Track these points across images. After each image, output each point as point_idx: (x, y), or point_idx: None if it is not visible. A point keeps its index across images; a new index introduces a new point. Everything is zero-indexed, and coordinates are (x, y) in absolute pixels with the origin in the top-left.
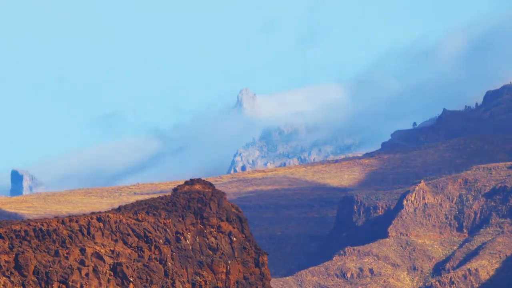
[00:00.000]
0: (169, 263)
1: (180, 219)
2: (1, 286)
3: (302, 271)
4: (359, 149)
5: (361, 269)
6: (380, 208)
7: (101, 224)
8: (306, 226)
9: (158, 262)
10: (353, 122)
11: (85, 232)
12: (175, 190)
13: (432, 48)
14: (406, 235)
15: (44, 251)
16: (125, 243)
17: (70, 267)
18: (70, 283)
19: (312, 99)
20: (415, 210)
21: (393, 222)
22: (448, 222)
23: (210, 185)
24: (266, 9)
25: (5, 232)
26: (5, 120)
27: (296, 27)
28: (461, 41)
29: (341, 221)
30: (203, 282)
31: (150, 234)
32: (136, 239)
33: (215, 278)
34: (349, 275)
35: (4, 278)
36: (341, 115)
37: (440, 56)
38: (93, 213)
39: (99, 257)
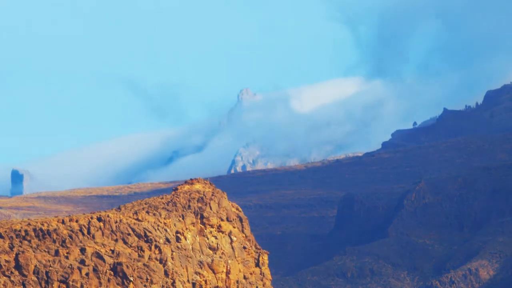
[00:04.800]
0: (169, 263)
1: (180, 218)
2: (1, 286)
3: (302, 270)
4: (359, 149)
5: (361, 269)
6: (380, 208)
7: (101, 224)
8: (306, 226)
9: (158, 262)
10: (354, 122)
11: (85, 231)
12: (175, 189)
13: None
14: (406, 235)
15: (44, 251)
16: (125, 242)
17: (70, 266)
18: (71, 283)
19: (313, 99)
20: (415, 210)
21: (393, 222)
22: (448, 222)
23: (210, 184)
24: (266, 9)
25: (5, 231)
26: (5, 120)
27: (296, 27)
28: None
29: (341, 221)
30: (203, 282)
31: (150, 234)
32: (136, 238)
33: (215, 277)
34: (349, 275)
35: (4, 278)
36: (342, 114)
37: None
38: (93, 212)
39: (99, 256)
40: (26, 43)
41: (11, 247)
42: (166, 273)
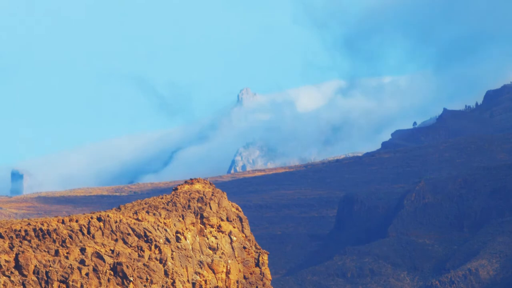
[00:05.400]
0: (169, 263)
1: (180, 218)
2: (1, 286)
3: (302, 270)
4: (359, 148)
5: (361, 269)
6: (380, 208)
7: (101, 224)
8: (306, 226)
9: (158, 262)
10: (353, 122)
11: (85, 231)
12: (175, 189)
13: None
14: (406, 235)
15: (44, 251)
16: (125, 242)
17: (70, 266)
18: (71, 283)
19: (312, 99)
20: (415, 210)
21: (393, 222)
22: (448, 222)
23: (210, 184)
24: (266, 9)
25: (5, 231)
26: (5, 120)
27: (295, 27)
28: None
29: (341, 221)
30: (203, 282)
31: (150, 234)
32: (136, 238)
33: (215, 277)
34: (349, 275)
35: (4, 277)
36: (342, 114)
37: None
38: (93, 212)
39: (99, 256)
40: (27, 41)
41: (11, 247)
42: (166, 273)
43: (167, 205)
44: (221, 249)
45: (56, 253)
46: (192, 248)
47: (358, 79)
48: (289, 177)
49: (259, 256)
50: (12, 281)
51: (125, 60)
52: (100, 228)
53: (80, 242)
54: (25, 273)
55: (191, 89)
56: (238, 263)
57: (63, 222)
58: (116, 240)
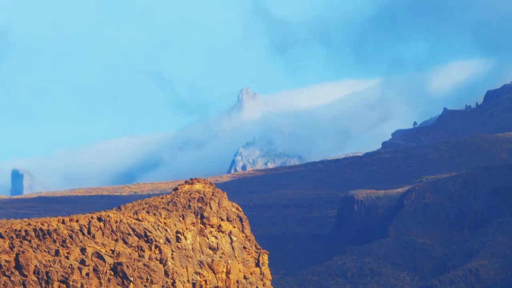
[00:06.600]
0: (169, 263)
1: (181, 218)
2: (1, 286)
3: (302, 270)
4: (360, 148)
5: (361, 269)
6: (380, 208)
7: (102, 224)
8: (306, 226)
9: (158, 262)
10: (353, 121)
11: (85, 231)
12: (175, 189)
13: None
14: (406, 235)
15: (45, 251)
16: (125, 242)
17: (70, 266)
18: (71, 283)
19: (312, 99)
20: (415, 210)
21: (393, 222)
22: (448, 222)
23: (211, 184)
24: (266, 9)
25: (5, 231)
26: (5, 120)
27: (295, 27)
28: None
29: (341, 221)
30: (203, 282)
31: (150, 234)
32: (136, 238)
33: (215, 277)
34: (349, 275)
35: (5, 278)
36: (341, 114)
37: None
38: (93, 212)
39: (100, 256)
40: (28, 39)
41: (11, 247)
42: (166, 273)
43: (167, 205)
44: (221, 249)
45: (57, 253)
46: (192, 248)
47: (359, 80)
48: (289, 177)
49: (259, 256)
50: (12, 281)
51: (125, 58)
52: (101, 228)
53: (81, 242)
54: (25, 273)
55: (190, 89)
56: (238, 263)
57: (63, 222)
58: (116, 240)
